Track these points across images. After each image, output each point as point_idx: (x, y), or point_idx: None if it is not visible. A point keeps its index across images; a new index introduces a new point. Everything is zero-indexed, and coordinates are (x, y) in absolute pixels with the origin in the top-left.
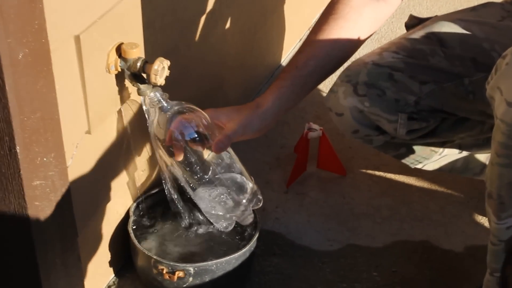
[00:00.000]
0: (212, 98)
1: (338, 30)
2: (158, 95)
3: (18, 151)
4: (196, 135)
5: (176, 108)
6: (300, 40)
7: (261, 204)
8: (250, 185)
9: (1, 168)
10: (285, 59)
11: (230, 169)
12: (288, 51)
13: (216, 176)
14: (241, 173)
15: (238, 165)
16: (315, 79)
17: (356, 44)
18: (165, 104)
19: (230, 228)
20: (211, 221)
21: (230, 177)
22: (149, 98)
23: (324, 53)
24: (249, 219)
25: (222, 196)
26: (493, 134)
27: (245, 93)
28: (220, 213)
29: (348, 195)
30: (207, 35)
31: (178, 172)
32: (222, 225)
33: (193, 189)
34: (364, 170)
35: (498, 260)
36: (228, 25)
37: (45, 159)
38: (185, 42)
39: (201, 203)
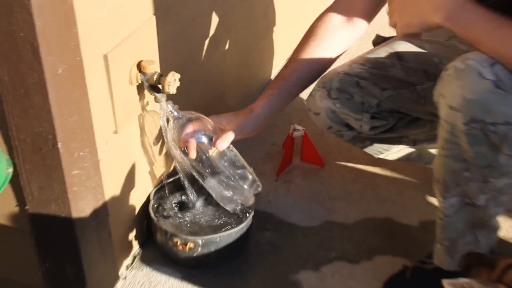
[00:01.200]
0: (214, 106)
1: (317, 49)
2: (170, 107)
3: (59, 147)
4: (204, 138)
5: (187, 116)
6: (287, 58)
7: (260, 189)
8: (249, 174)
9: (46, 160)
10: (274, 74)
11: (233, 163)
12: (277, 68)
13: (222, 169)
14: (243, 166)
15: (240, 159)
16: (298, 88)
17: (330, 60)
18: (176, 114)
19: (238, 209)
20: (221, 204)
21: (233, 167)
22: (163, 110)
23: (305, 67)
24: (251, 201)
25: (229, 184)
26: (438, 132)
27: (242, 102)
28: (228, 197)
29: (326, 182)
30: (210, 54)
31: (191, 166)
32: (231, 207)
33: (204, 179)
34: (338, 162)
35: (445, 231)
36: (227, 46)
37: (81, 153)
38: (192, 60)
39: (211, 190)
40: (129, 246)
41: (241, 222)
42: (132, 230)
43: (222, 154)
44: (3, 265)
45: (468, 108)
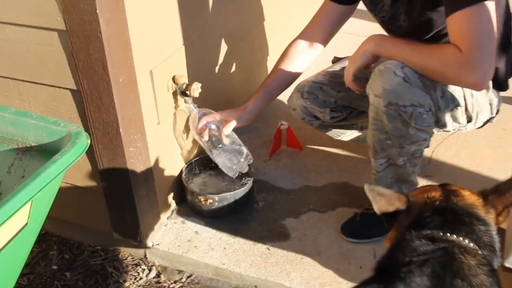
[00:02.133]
0: (226, 107)
1: (288, 65)
2: (192, 106)
3: (121, 131)
4: (213, 125)
5: (202, 111)
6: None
7: (252, 161)
8: (244, 150)
9: (112, 141)
10: None
11: (233, 142)
12: None
13: (224, 146)
14: (240, 144)
15: (238, 140)
16: (276, 92)
17: (298, 72)
18: (196, 110)
19: (236, 175)
20: (224, 170)
21: (233, 146)
22: (187, 107)
23: (281, 77)
24: (246, 169)
25: (228, 156)
26: (369, 113)
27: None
28: (229, 166)
29: (304, 159)
30: (222, 72)
31: (205, 145)
32: (231, 173)
33: (213, 154)
34: (312, 146)
35: (377, 183)
36: (234, 68)
37: (135, 136)
38: (210, 76)
39: (217, 161)
40: (169, 203)
41: (244, 185)
42: (170, 193)
43: (226, 136)
44: (82, 216)
45: (386, 95)
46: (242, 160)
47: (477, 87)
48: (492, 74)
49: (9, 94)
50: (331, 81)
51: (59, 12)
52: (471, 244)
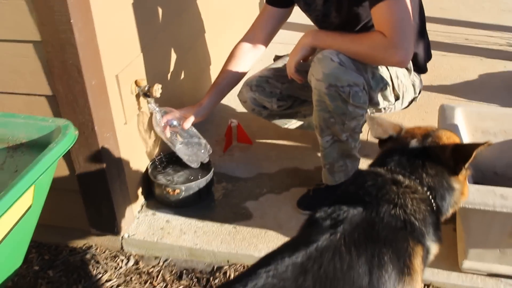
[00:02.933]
0: (180, 105)
1: (235, 65)
2: (154, 105)
3: (96, 129)
4: (174, 122)
5: (163, 110)
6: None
7: (211, 151)
8: (203, 141)
9: (88, 140)
10: None
11: (193, 136)
12: None
13: (186, 140)
14: (199, 137)
15: (197, 133)
16: (227, 88)
17: (244, 71)
18: (158, 109)
19: (198, 165)
20: (187, 163)
21: (193, 139)
22: (150, 106)
23: (230, 76)
24: (206, 159)
25: (190, 148)
26: (312, 96)
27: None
28: (190, 157)
29: (254, 152)
30: (174, 79)
31: (168, 140)
32: (193, 164)
33: (175, 147)
34: (261, 140)
35: (325, 159)
36: (183, 75)
37: (107, 135)
38: (164, 82)
39: (180, 153)
40: (138, 198)
41: (206, 175)
42: (139, 188)
43: (186, 131)
44: (57, 217)
45: (326, 79)
46: (202, 151)
47: (401, 64)
48: (412, 53)
49: None
50: (276, 75)
51: (34, 24)
52: (413, 182)
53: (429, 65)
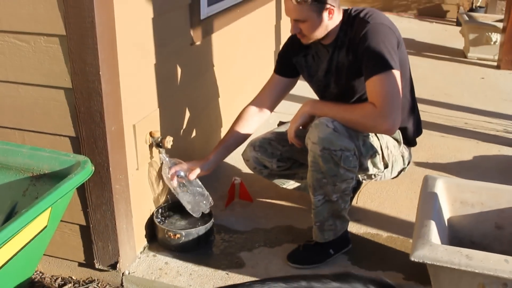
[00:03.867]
0: (190, 160)
1: (242, 126)
2: (164, 156)
3: (110, 170)
4: (182, 173)
5: (172, 161)
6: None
7: (212, 203)
8: (206, 193)
9: (102, 179)
10: None
11: (197, 188)
12: None
13: (190, 190)
14: (202, 189)
15: (202, 186)
16: (233, 146)
17: (250, 133)
18: (168, 160)
19: (199, 215)
20: (189, 211)
21: (197, 190)
22: (161, 156)
23: (236, 136)
24: (207, 210)
25: (193, 198)
26: (308, 157)
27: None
28: (193, 207)
29: (254, 209)
30: (186, 135)
31: (174, 189)
32: (195, 214)
33: (180, 196)
34: (261, 199)
35: (316, 217)
36: (194, 133)
37: (120, 176)
38: (177, 136)
39: (183, 202)
40: (142, 240)
41: (206, 223)
42: (143, 231)
43: (191, 182)
44: (64, 249)
45: (321, 142)
46: (204, 202)
47: (388, 132)
48: (398, 123)
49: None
50: (278, 138)
51: (68, 73)
52: None
53: (427, 144)
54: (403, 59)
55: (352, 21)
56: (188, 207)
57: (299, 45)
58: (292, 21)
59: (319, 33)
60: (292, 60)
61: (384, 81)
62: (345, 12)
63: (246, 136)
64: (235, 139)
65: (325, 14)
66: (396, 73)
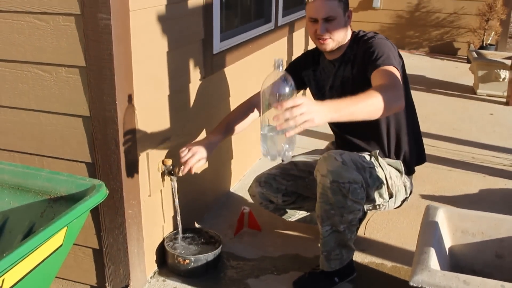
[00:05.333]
0: (201, 193)
1: (238, 116)
2: (175, 184)
3: (124, 195)
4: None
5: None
6: (244, 176)
7: (286, 160)
8: (291, 152)
9: (115, 203)
10: (234, 186)
11: (293, 143)
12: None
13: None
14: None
15: (294, 147)
16: (230, 133)
17: (244, 123)
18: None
19: (274, 159)
20: (262, 149)
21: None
22: (172, 184)
23: (231, 123)
24: (289, 157)
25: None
26: (317, 189)
27: (217, 195)
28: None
29: (262, 238)
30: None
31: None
32: (270, 154)
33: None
34: (269, 228)
35: (323, 246)
36: (205, 164)
37: (133, 202)
38: None
39: (269, 134)
40: (152, 264)
41: (215, 250)
42: (154, 255)
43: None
44: (78, 273)
45: (330, 175)
46: (286, 151)
47: (401, 102)
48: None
49: None
50: (282, 173)
51: (86, 102)
52: None
53: (434, 177)
54: (405, 82)
55: (359, 40)
56: (268, 140)
57: (312, 61)
58: (320, 23)
59: (342, 35)
60: (301, 74)
61: (389, 70)
62: (353, 32)
63: (239, 125)
64: (230, 125)
65: (347, 17)
66: (398, 72)
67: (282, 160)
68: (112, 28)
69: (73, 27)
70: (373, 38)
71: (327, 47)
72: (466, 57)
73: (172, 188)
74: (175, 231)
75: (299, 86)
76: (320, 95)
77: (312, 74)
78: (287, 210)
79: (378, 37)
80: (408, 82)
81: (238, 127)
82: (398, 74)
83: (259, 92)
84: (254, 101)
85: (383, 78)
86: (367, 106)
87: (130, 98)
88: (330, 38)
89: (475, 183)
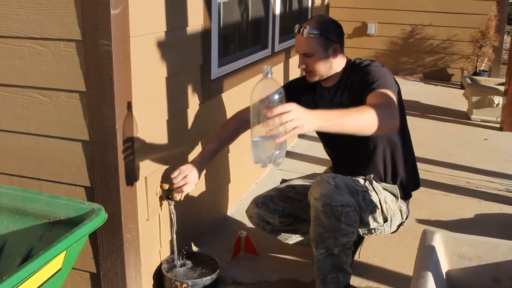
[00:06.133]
0: (199, 217)
1: (226, 132)
2: (173, 208)
3: (122, 219)
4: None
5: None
6: (241, 200)
7: (278, 165)
8: (281, 159)
9: (113, 227)
10: (231, 210)
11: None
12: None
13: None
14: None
15: (284, 150)
16: (219, 152)
17: (231, 139)
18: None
19: (264, 166)
20: (254, 155)
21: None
22: (170, 208)
23: (220, 141)
24: (279, 162)
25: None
26: (310, 213)
27: (214, 220)
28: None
29: (259, 262)
30: (197, 188)
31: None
32: (261, 161)
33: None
34: (266, 253)
35: (319, 270)
36: (204, 188)
37: (131, 225)
38: None
39: (259, 140)
40: (150, 287)
41: (212, 274)
42: (151, 279)
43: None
44: None
45: (322, 198)
46: (277, 156)
47: (395, 120)
48: (398, 121)
49: None
50: (280, 194)
51: (86, 127)
52: None
53: (429, 202)
54: (401, 108)
55: (356, 68)
56: (256, 150)
57: (310, 86)
58: (300, 56)
59: (324, 69)
60: (299, 97)
61: (384, 91)
62: (349, 60)
63: (227, 141)
64: (219, 142)
65: (331, 51)
66: (394, 91)
67: (273, 165)
68: (112, 53)
69: (74, 52)
70: (369, 66)
71: (310, 79)
72: (460, 83)
73: (170, 212)
74: (172, 255)
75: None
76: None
77: (311, 99)
78: (284, 232)
79: (374, 64)
80: (404, 107)
81: (228, 143)
82: (393, 96)
83: (248, 107)
84: (243, 116)
85: (378, 98)
86: (357, 120)
87: (129, 123)
88: (310, 71)
89: (471, 207)
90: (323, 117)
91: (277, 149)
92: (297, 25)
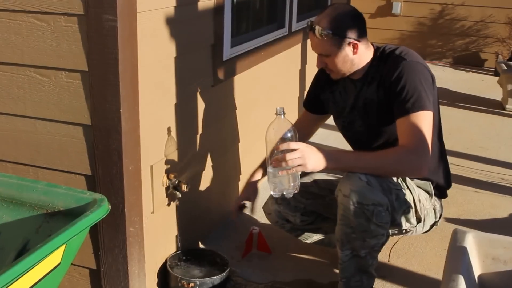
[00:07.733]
0: (206, 208)
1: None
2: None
3: (125, 212)
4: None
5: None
6: None
7: (291, 195)
8: (298, 182)
9: (116, 220)
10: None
11: (296, 180)
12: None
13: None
14: (298, 184)
15: (298, 183)
16: None
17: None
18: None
19: (277, 195)
20: (270, 184)
21: (296, 181)
22: (177, 200)
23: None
24: (290, 194)
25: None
26: (337, 211)
27: (224, 214)
28: (278, 183)
29: (272, 260)
30: (204, 180)
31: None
32: (276, 190)
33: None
34: (280, 250)
35: (343, 272)
36: (211, 178)
37: (135, 218)
38: (194, 181)
39: (270, 177)
40: (154, 287)
41: (221, 273)
42: (156, 277)
43: (295, 175)
44: None
45: (353, 195)
46: (290, 187)
47: (423, 174)
48: (428, 161)
49: None
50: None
51: (87, 110)
52: None
53: (459, 199)
54: (435, 101)
55: (386, 58)
56: (271, 182)
57: (325, 80)
58: (317, 56)
59: (345, 67)
60: (320, 97)
61: (419, 121)
62: (378, 48)
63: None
64: None
65: (348, 49)
66: (430, 114)
67: (283, 195)
68: (118, 30)
69: (76, 28)
70: (403, 62)
71: (334, 77)
72: (493, 69)
73: (176, 205)
74: (179, 252)
75: (321, 110)
76: (340, 118)
77: (331, 96)
78: (304, 231)
79: (408, 60)
80: (439, 106)
81: None
82: (428, 122)
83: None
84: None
85: (408, 137)
86: (372, 170)
87: (134, 106)
88: (331, 70)
89: (505, 206)
90: (332, 158)
91: (291, 181)
92: (308, 21)
